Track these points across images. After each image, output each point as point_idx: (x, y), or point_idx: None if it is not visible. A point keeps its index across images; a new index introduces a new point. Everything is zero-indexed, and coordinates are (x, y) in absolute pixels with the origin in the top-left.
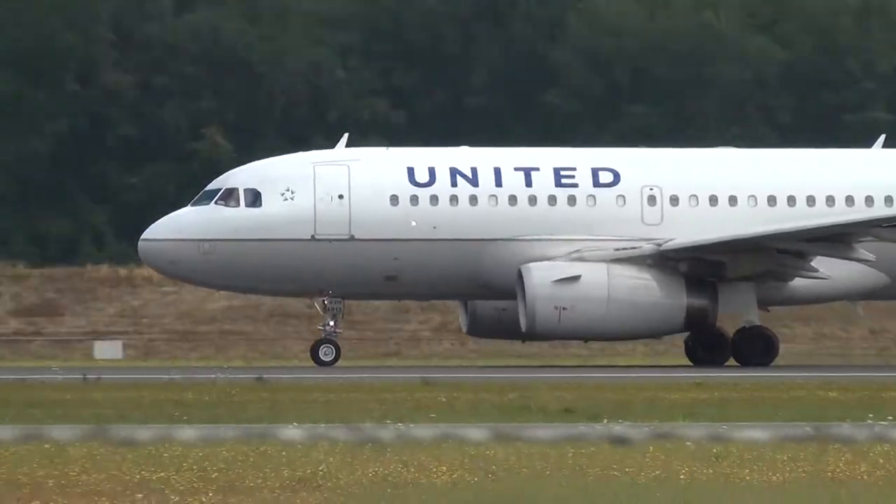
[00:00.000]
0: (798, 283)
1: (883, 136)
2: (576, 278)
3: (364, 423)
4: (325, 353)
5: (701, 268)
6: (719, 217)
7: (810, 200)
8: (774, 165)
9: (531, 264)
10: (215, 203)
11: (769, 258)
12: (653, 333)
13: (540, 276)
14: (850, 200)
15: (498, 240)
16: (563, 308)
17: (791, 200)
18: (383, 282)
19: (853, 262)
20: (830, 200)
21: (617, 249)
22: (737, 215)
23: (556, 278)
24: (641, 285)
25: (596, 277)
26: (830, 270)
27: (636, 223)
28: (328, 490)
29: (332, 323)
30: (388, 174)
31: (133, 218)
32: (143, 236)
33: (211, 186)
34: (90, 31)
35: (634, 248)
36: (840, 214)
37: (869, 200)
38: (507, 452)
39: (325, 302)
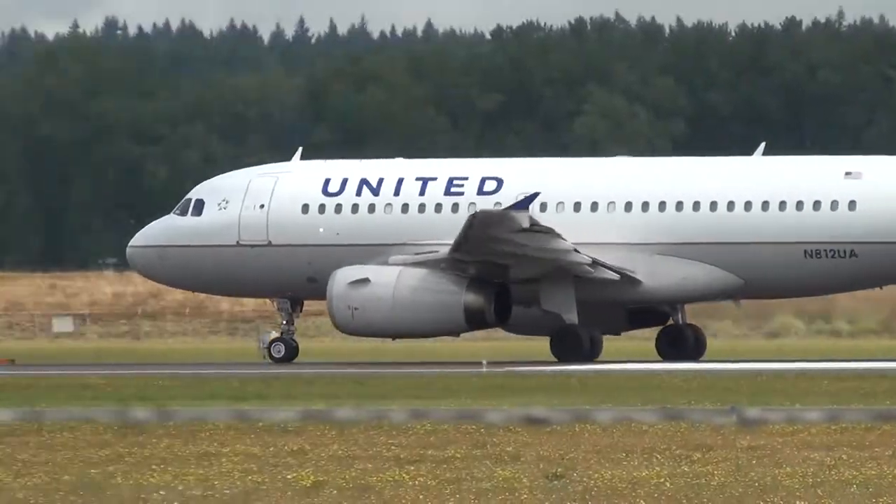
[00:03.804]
0: (651, 284)
1: (763, 144)
2: (365, 281)
3: None
4: (277, 350)
5: (489, 270)
6: (581, 222)
7: (679, 206)
8: (652, 173)
9: (340, 268)
10: (173, 213)
11: (540, 262)
12: (438, 331)
13: (339, 279)
14: (713, 206)
15: (392, 245)
16: (355, 308)
17: (662, 206)
18: (306, 284)
19: (704, 265)
20: (696, 206)
21: (417, 254)
22: (599, 220)
23: (350, 280)
24: (424, 287)
25: (385, 280)
26: (680, 273)
27: None
28: None
29: (284, 322)
30: (307, 185)
31: None
32: (129, 243)
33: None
34: None
35: (434, 251)
36: (702, 219)
37: (765, 206)
38: None
39: (275, 303)
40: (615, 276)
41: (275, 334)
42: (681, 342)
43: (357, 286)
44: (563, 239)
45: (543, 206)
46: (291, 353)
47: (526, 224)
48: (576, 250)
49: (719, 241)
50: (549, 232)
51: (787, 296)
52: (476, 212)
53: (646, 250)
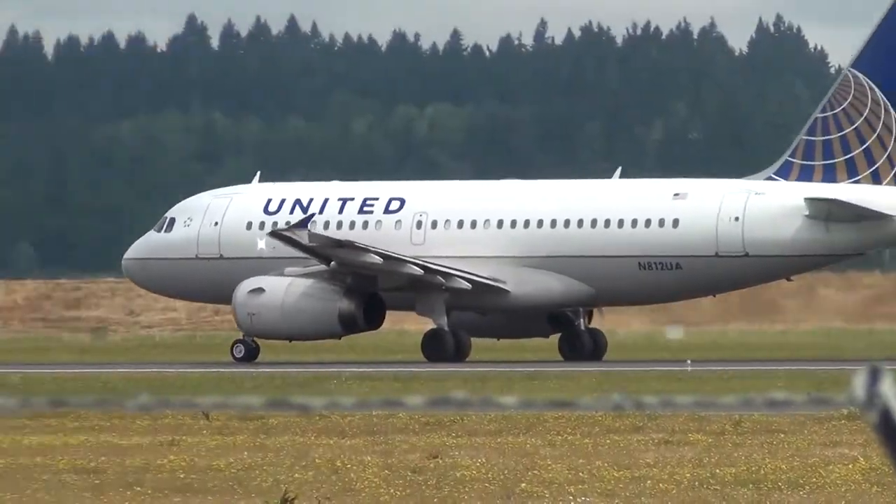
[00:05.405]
0: (518, 293)
1: (620, 168)
2: (261, 290)
3: None
4: (238, 350)
5: (362, 281)
6: (462, 238)
7: (540, 223)
8: (524, 194)
9: (246, 279)
10: (153, 230)
11: (397, 274)
12: (319, 334)
13: (241, 289)
14: (567, 224)
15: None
16: (253, 314)
17: (526, 224)
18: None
19: (562, 276)
20: (554, 223)
21: (307, 266)
22: (476, 236)
23: (249, 289)
24: (307, 295)
25: (276, 289)
26: (542, 283)
27: (407, 244)
28: None
29: None
30: (252, 205)
31: None
32: (124, 256)
33: None
34: None
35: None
36: (559, 235)
37: (607, 223)
38: None
39: None
40: (467, 286)
41: None
42: (578, 345)
43: (254, 295)
44: (373, 253)
45: (434, 224)
46: (251, 353)
47: (305, 241)
48: (415, 263)
49: (573, 255)
50: (350, 246)
51: (629, 303)
52: (271, 230)
53: (514, 263)
